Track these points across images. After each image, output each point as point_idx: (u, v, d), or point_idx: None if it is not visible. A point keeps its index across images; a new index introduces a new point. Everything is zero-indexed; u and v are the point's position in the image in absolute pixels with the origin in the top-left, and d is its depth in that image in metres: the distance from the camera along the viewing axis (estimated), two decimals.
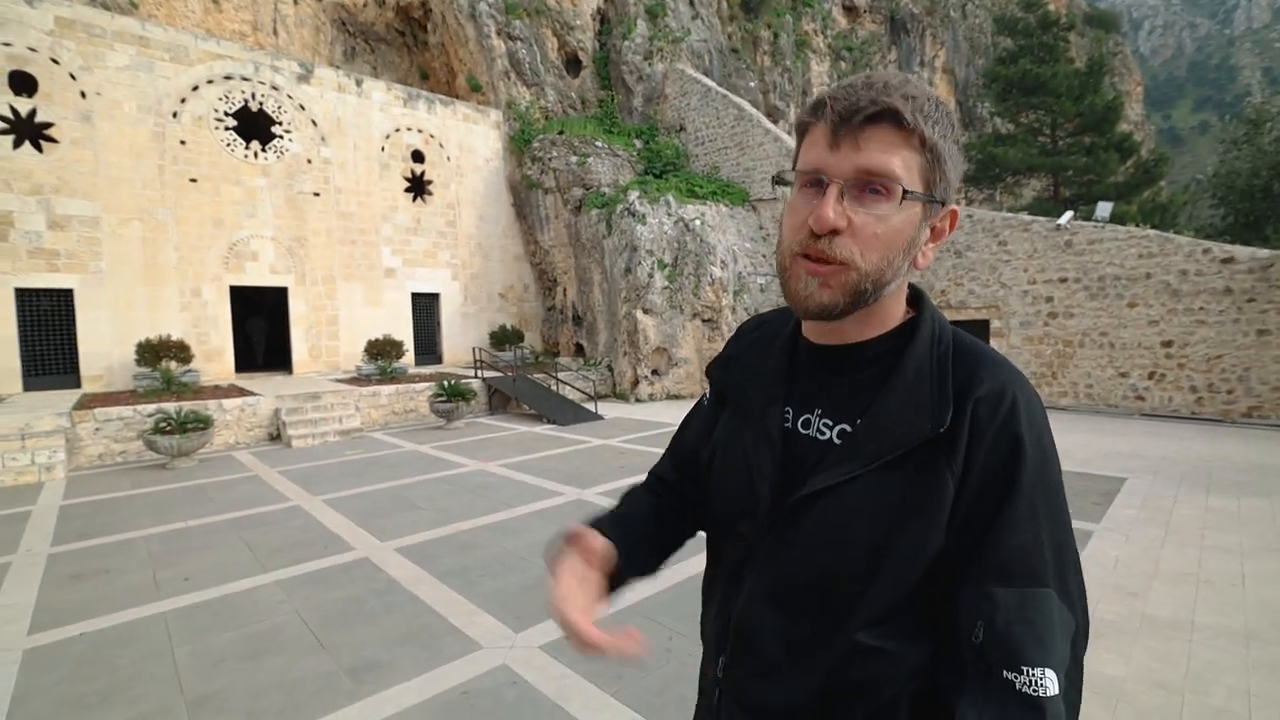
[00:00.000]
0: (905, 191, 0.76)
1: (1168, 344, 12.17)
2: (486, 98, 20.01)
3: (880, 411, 0.81)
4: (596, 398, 15.46)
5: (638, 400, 15.88)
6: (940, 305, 14.94)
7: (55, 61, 12.71)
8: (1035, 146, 23.37)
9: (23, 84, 12.48)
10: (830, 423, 0.86)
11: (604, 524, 1.04)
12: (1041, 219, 13.76)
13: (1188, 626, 3.99)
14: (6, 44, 12.22)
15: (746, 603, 0.89)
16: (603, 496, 7.39)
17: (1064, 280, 13.31)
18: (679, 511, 1.14)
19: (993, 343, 14.31)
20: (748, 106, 19.44)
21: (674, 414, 13.34)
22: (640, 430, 12.08)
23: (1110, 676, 3.42)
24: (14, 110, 12.32)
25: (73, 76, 12.90)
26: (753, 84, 24.99)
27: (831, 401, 0.87)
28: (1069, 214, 13.70)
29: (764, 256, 17.29)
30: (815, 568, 0.82)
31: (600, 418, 13.60)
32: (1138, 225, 13.73)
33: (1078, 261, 13.12)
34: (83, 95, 13.01)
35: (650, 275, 15.77)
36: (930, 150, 0.77)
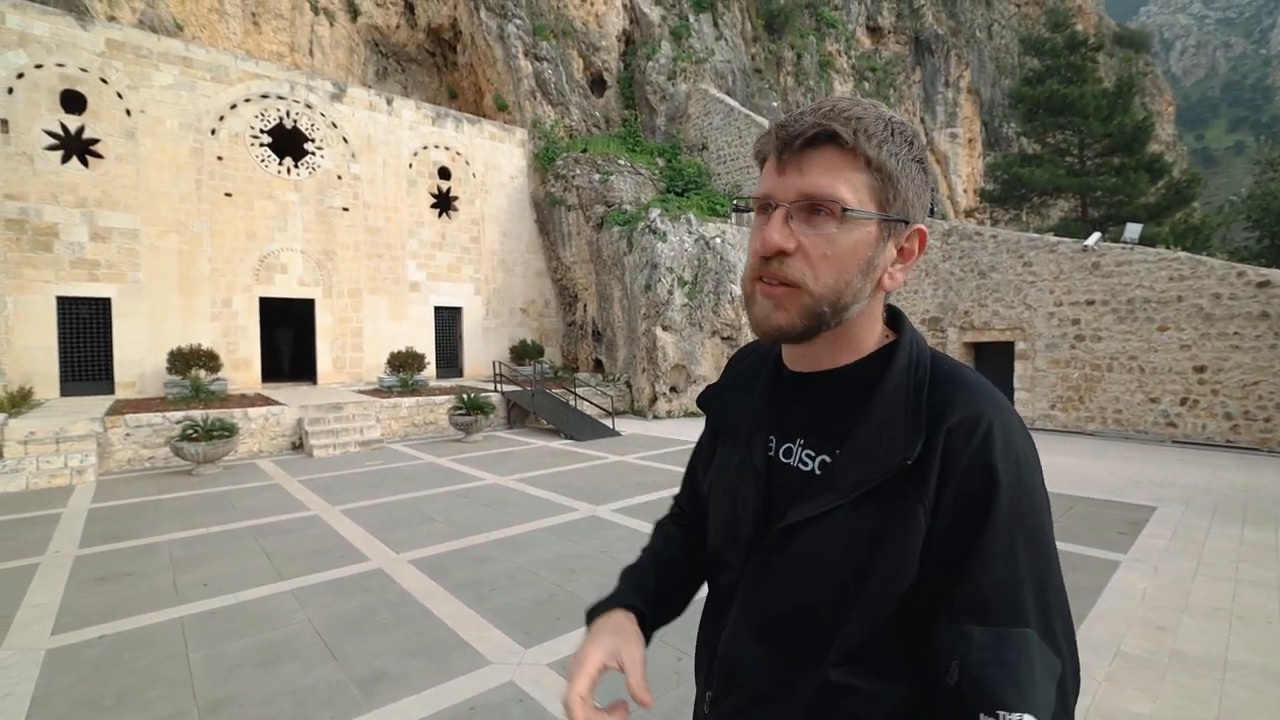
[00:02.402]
0: (845, 209, 0.76)
1: (1200, 369, 11.82)
2: (513, 116, 20.41)
3: (856, 442, 0.79)
4: (614, 414, 15.47)
5: (655, 417, 15.85)
6: (964, 326, 14.73)
7: (104, 81, 13.29)
8: (1062, 167, 23.08)
9: (73, 102, 13.06)
10: (812, 453, 0.85)
11: (626, 594, 1.04)
12: (1068, 240, 13.54)
13: (1220, 664, 3.83)
14: (60, 65, 12.82)
15: (731, 635, 0.88)
16: (618, 514, 7.37)
17: (1091, 303, 13.05)
18: (702, 543, 1.12)
19: (1017, 366, 14.05)
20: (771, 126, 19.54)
21: (691, 431, 13.28)
22: (657, 447, 12.04)
23: (1136, 714, 3.29)
24: (64, 127, 12.89)
25: (119, 95, 13.47)
26: (775, 104, 25.13)
27: (812, 431, 0.86)
28: (1096, 235, 13.46)
29: None
30: (793, 601, 0.81)
31: (617, 434, 13.59)
32: (1168, 247, 13.44)
33: (1106, 284, 12.86)
34: (128, 113, 13.57)
35: (670, 292, 15.82)
36: (879, 170, 0.76)
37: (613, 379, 17.34)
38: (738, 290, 16.04)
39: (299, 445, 12.27)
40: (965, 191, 33.88)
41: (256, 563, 5.87)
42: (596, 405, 15.68)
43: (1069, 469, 9.75)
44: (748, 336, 15.92)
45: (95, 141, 13.24)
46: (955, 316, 14.91)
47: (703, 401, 1.08)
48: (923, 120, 34.16)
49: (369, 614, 4.66)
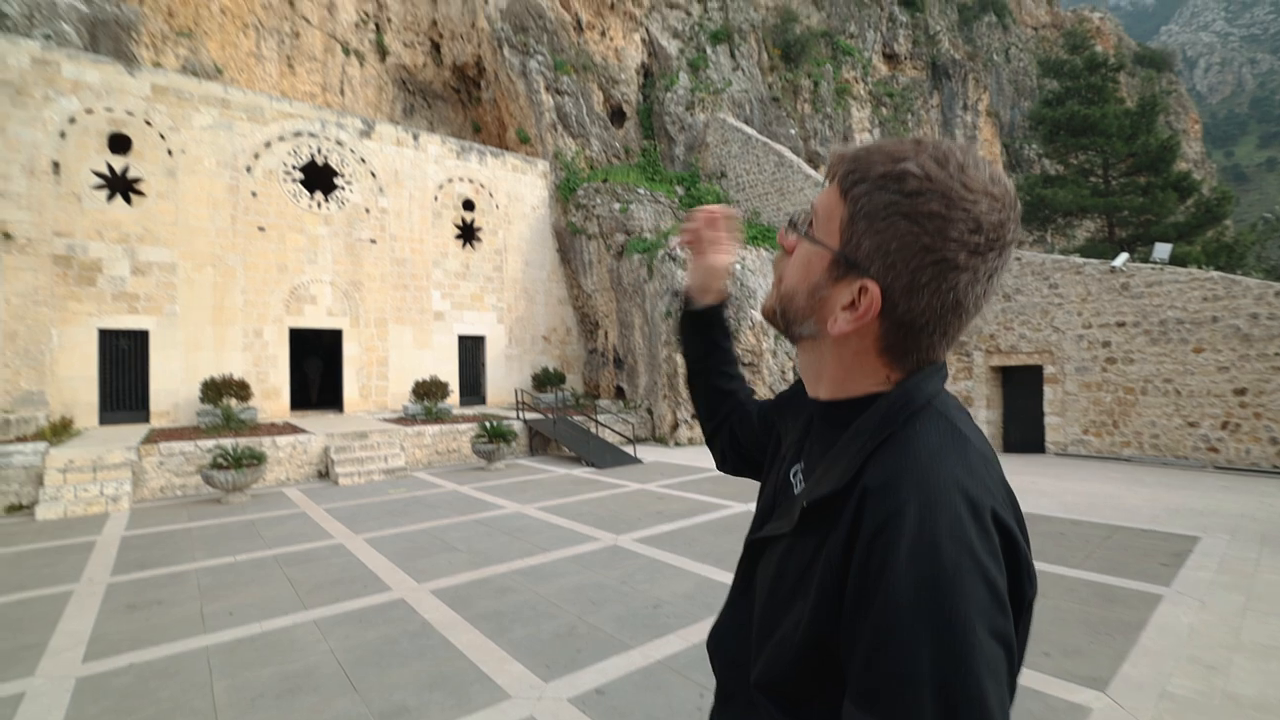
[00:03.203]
0: (793, 224, 0.83)
1: (1241, 392, 11.43)
2: (535, 149, 20.89)
3: (812, 478, 0.81)
4: (635, 441, 15.43)
5: (677, 444, 15.76)
6: (989, 350, 14.48)
7: (148, 123, 13.96)
8: (1086, 187, 22.80)
9: (119, 144, 13.72)
10: (803, 478, 0.88)
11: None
12: (1094, 261, 13.31)
13: (1277, 708, 3.63)
14: (108, 109, 13.51)
15: (719, 631, 0.95)
16: (639, 543, 7.30)
17: (1122, 324, 12.75)
18: (736, 418, 1.27)
19: (1047, 390, 13.74)
20: (788, 153, 19.70)
21: (712, 459, 13.16)
22: (678, 475, 11.95)
23: None
24: (110, 168, 13.52)
25: (162, 136, 14.12)
26: (793, 131, 25.37)
27: (809, 457, 0.89)
28: (1124, 256, 13.22)
29: None
30: (749, 611, 0.85)
31: (639, 461, 13.53)
32: (1200, 266, 13.13)
33: (1136, 305, 12.58)
34: (169, 153, 14.20)
35: None
36: (852, 203, 0.75)
37: (634, 406, 17.33)
38: (758, 316, 16.01)
39: (325, 473, 12.43)
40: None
41: (281, 592, 5.92)
42: (618, 432, 15.67)
43: (1105, 497, 9.43)
44: (769, 363, 15.83)
45: (138, 180, 13.85)
46: (981, 340, 14.68)
47: (762, 414, 1.17)
48: None
49: (390, 645, 4.65)
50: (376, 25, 21.95)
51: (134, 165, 13.80)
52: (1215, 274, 11.81)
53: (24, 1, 13.37)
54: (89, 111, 13.29)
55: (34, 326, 12.63)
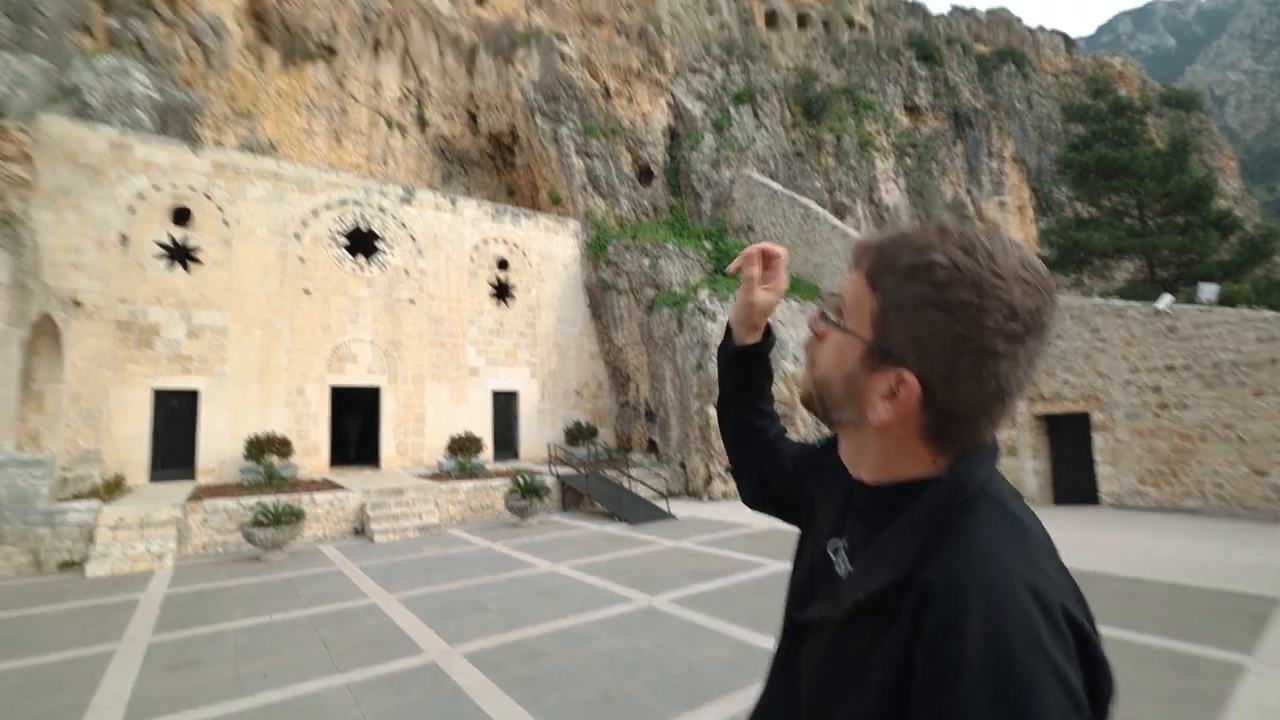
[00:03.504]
0: (825, 314, 0.83)
1: None
2: (566, 209, 21.64)
3: (859, 564, 0.79)
4: (669, 495, 15.20)
5: (711, 499, 15.47)
6: (1032, 397, 14.03)
7: (208, 197, 14.97)
8: (1122, 229, 22.43)
9: (181, 216, 14.70)
10: (846, 560, 0.85)
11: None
12: (1137, 304, 12.96)
13: None
14: (173, 185, 14.55)
15: (758, 703, 0.93)
16: (674, 604, 7.10)
17: (1172, 368, 12.26)
18: (766, 457, 1.21)
19: (1096, 438, 13.19)
20: (814, 205, 19.97)
21: (749, 515, 12.86)
22: (713, 531, 11.69)
23: None
24: (172, 238, 14.46)
25: (220, 208, 15.09)
26: (818, 183, 25.78)
27: (853, 537, 0.86)
28: (1168, 297, 12.84)
29: None
30: (791, 693, 0.83)
31: (673, 517, 13.30)
32: (1250, 306, 12.65)
33: (1185, 347, 12.11)
34: (225, 223, 15.13)
35: None
36: (883, 295, 0.75)
37: (667, 460, 17.17)
38: (789, 367, 15.91)
39: (361, 530, 12.53)
40: None
41: (315, 653, 5.90)
42: (650, 487, 15.49)
43: (1170, 552, 8.86)
44: (802, 414, 15.60)
45: (197, 249, 14.74)
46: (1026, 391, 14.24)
47: (816, 455, 1.10)
48: (969, 191, 34.24)
49: (421, 712, 4.57)
50: (418, 100, 23.40)
51: (193, 235, 14.72)
52: (1269, 314, 11.36)
53: (106, 93, 14.69)
54: (156, 188, 14.33)
55: (95, 388, 13.30)
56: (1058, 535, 0.79)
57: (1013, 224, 34.08)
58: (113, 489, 12.28)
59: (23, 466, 9.98)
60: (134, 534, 10.34)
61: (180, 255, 14.58)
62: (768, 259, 1.12)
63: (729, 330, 1.23)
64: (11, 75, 13.24)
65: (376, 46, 22.43)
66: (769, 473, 1.20)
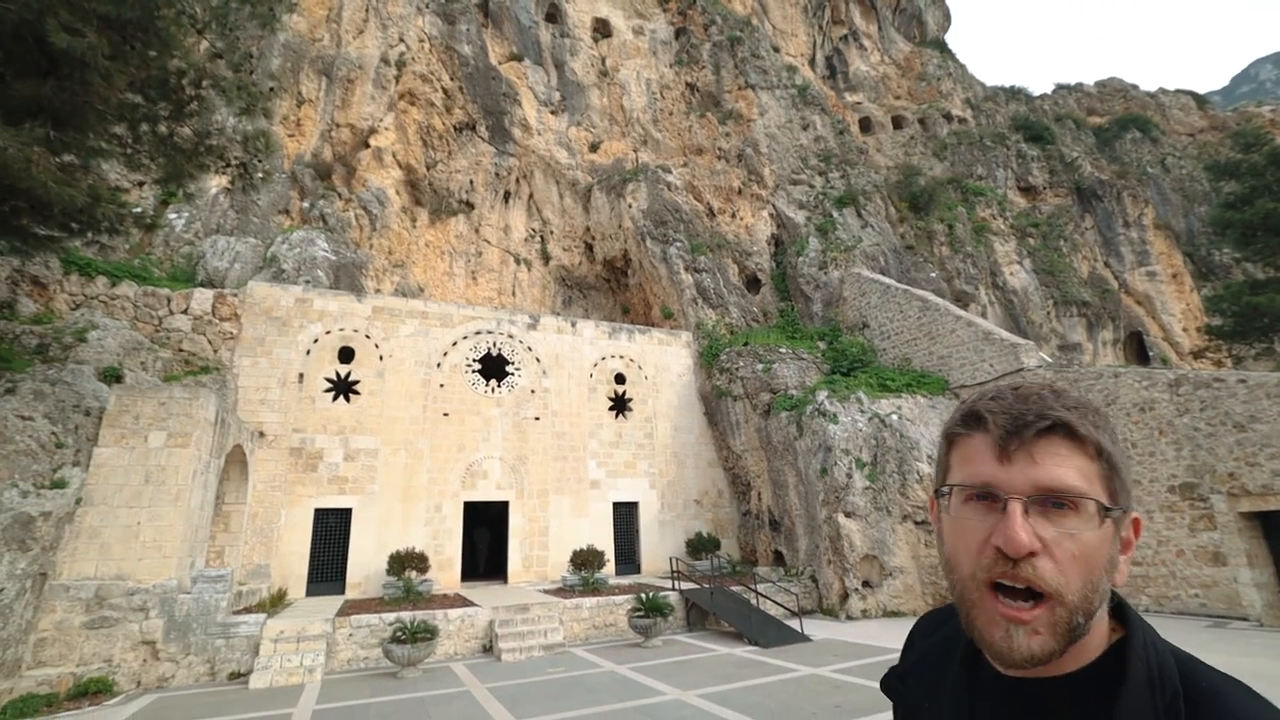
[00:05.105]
0: (1104, 508, 0.71)
1: None
2: (677, 322, 22.47)
3: None
4: (801, 614, 14.01)
5: (849, 617, 14.06)
6: (1233, 493, 11.81)
7: (367, 337, 17.24)
8: None
9: (345, 355, 16.99)
10: None
11: None
12: None
13: None
14: (341, 329, 16.98)
15: None
16: None
17: None
18: None
19: None
20: (932, 297, 19.24)
21: (894, 636, 11.48)
22: (855, 657, 10.51)
23: None
24: (337, 374, 16.64)
25: (376, 346, 17.28)
26: (934, 274, 24.95)
27: None
28: None
29: None
30: None
31: (807, 639, 12.18)
32: None
33: None
34: (380, 358, 17.23)
35: (849, 475, 14.93)
36: (1106, 459, 0.73)
37: (795, 573, 16.02)
38: (925, 468, 14.69)
39: (489, 648, 12.61)
40: (1185, 331, 29.46)
41: None
42: (780, 604, 14.41)
43: None
44: None
45: (356, 382, 16.81)
46: (1217, 480, 12.08)
47: (887, 689, 0.98)
48: (1107, 264, 31.51)
49: None
50: (541, 237, 26.11)
51: (354, 370, 16.86)
52: None
53: (296, 259, 17.87)
54: (328, 332, 16.77)
55: (269, 508, 15.02)
56: None
57: (1168, 294, 30.58)
58: (276, 602, 13.43)
59: (210, 582, 11.27)
60: (291, 647, 11.11)
61: (343, 388, 16.67)
62: None
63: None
64: (232, 254, 16.49)
65: (506, 196, 25.67)
66: None
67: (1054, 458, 0.71)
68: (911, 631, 1.00)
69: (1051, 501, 0.70)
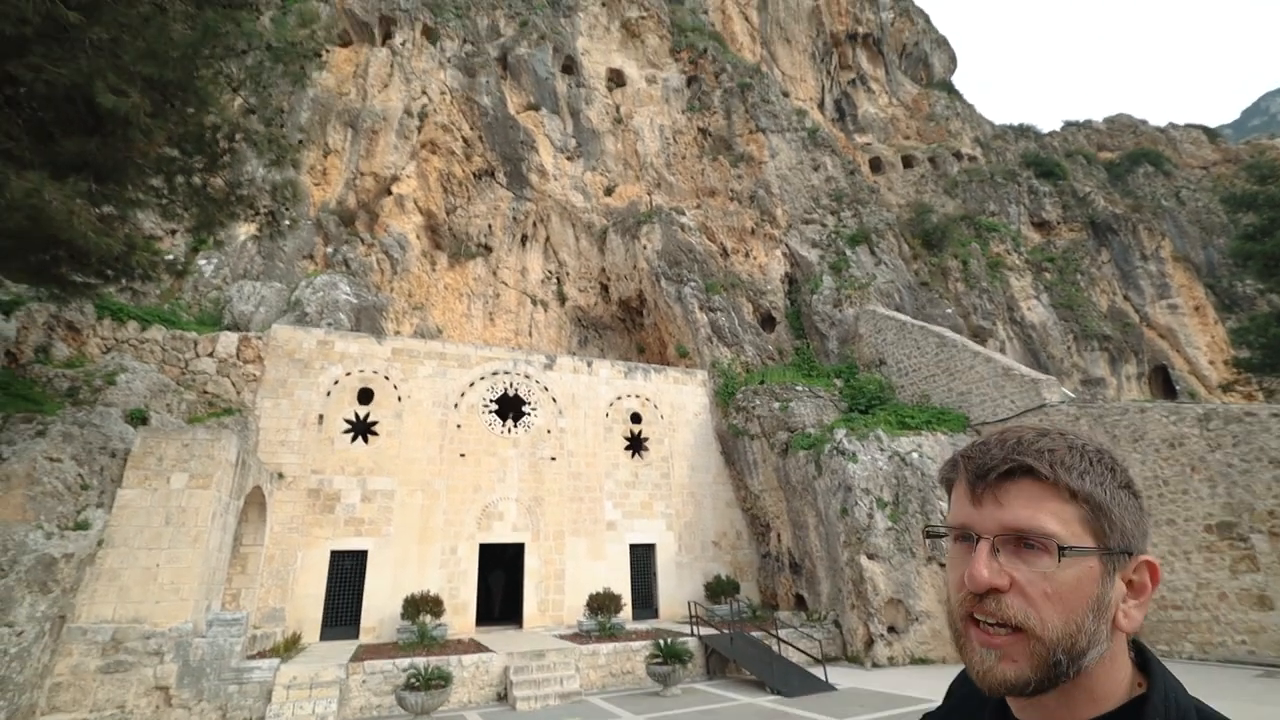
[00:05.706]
0: (1062, 548, 0.72)
1: None
2: (693, 361, 22.50)
3: None
4: (825, 661, 13.54)
5: (875, 665, 13.54)
6: (1273, 531, 11.36)
7: (386, 378, 17.45)
8: None
9: (364, 396, 17.18)
10: None
11: None
12: None
13: None
14: (361, 370, 17.22)
15: None
16: None
17: None
18: None
19: None
20: (948, 333, 19.13)
21: (923, 684, 11.03)
22: (883, 707, 10.08)
23: None
24: (356, 415, 16.80)
25: (395, 387, 17.47)
26: (949, 310, 24.84)
27: None
28: None
29: None
30: None
31: (832, 688, 11.73)
32: None
33: None
34: (399, 399, 17.39)
35: (870, 516, 14.61)
36: (1086, 501, 0.74)
37: (818, 618, 15.54)
38: (946, 505, 14.34)
39: (503, 695, 12.29)
40: (1212, 364, 28.87)
41: None
42: (803, 650, 13.94)
43: None
44: None
45: (375, 423, 16.94)
46: (1257, 519, 11.63)
47: None
48: (1127, 297, 31.18)
49: None
50: (557, 279, 26.53)
51: (373, 411, 17.01)
52: None
53: (319, 303, 18.30)
54: (348, 374, 17.02)
55: (286, 550, 14.99)
56: None
57: (1191, 327, 30.09)
58: (290, 646, 13.26)
59: (225, 625, 11.19)
60: (303, 694, 10.92)
61: (361, 429, 16.80)
62: None
63: None
64: (258, 298, 16.93)
65: (524, 239, 26.23)
66: None
67: (1021, 500, 0.75)
68: (952, 683, 1.00)
69: (1025, 542, 0.73)
